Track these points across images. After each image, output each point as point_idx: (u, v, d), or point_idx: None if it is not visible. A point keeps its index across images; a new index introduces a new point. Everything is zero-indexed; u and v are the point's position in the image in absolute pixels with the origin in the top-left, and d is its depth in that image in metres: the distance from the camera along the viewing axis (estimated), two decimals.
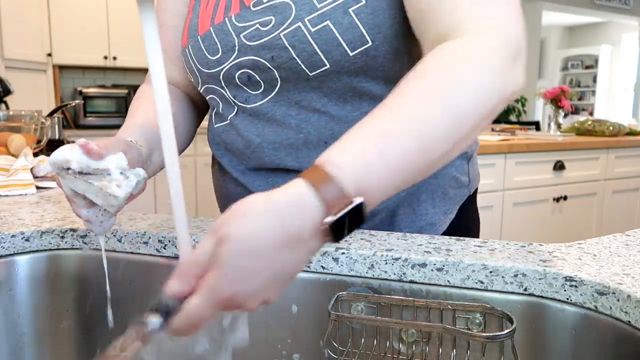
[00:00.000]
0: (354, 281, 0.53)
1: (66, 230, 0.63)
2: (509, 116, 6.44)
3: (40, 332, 0.63)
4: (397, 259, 0.51)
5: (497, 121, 5.10)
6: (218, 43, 0.64)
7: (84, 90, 4.03)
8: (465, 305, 0.49)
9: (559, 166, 2.66)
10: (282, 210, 0.37)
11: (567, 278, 0.47)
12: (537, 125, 4.07)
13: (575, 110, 8.16)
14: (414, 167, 0.41)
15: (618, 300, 0.43)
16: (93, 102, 4.04)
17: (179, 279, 0.38)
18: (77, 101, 2.83)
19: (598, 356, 0.46)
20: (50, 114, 1.99)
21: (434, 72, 0.45)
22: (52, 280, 0.63)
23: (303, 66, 0.60)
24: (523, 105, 6.49)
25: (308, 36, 0.58)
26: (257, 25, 0.61)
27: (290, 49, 0.59)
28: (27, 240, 0.62)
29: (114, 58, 4.08)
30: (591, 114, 8.20)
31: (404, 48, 0.61)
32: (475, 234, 0.77)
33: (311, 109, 0.63)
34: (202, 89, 0.70)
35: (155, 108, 0.39)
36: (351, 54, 0.58)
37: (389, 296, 0.52)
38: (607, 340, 0.45)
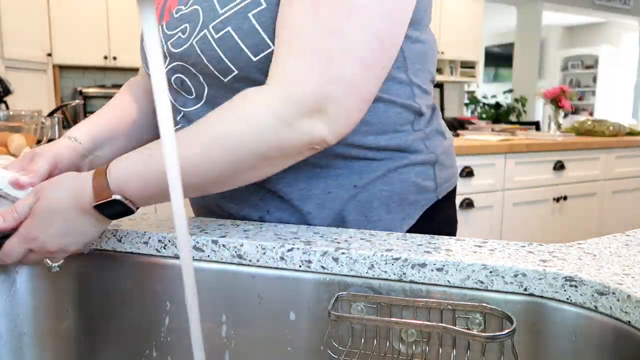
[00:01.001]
0: (354, 281, 0.53)
1: None
2: (509, 116, 6.44)
3: (40, 332, 0.63)
4: (397, 259, 0.52)
5: (497, 121, 5.10)
6: None
7: (84, 90, 4.03)
8: (465, 305, 0.49)
9: (559, 166, 2.66)
10: (76, 188, 0.55)
11: (567, 278, 0.47)
12: (537, 125, 4.07)
13: (575, 110, 8.17)
14: (165, 187, 0.46)
15: (618, 300, 0.43)
16: (93, 102, 4.04)
17: (2, 216, 0.55)
18: (77, 101, 2.83)
19: (598, 356, 0.46)
20: (50, 114, 1.99)
21: (214, 113, 0.55)
22: (52, 280, 0.63)
23: (216, 72, 0.60)
24: (523, 105, 6.50)
25: (213, 43, 0.59)
26: (179, 34, 0.63)
27: (202, 55, 0.60)
28: None
29: (114, 58, 4.08)
30: (591, 114, 8.21)
31: None
32: (449, 235, 0.76)
33: None
34: None
35: (155, 108, 0.39)
36: (254, 59, 0.58)
37: (389, 296, 0.52)
38: (607, 340, 0.45)
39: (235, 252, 0.57)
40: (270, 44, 0.57)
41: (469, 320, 0.50)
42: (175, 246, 0.59)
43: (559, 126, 3.13)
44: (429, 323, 0.49)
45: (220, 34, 0.58)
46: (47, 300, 0.63)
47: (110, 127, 0.74)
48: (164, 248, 0.60)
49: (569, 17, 7.24)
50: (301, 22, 0.53)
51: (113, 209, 0.55)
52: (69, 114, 4.04)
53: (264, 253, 0.56)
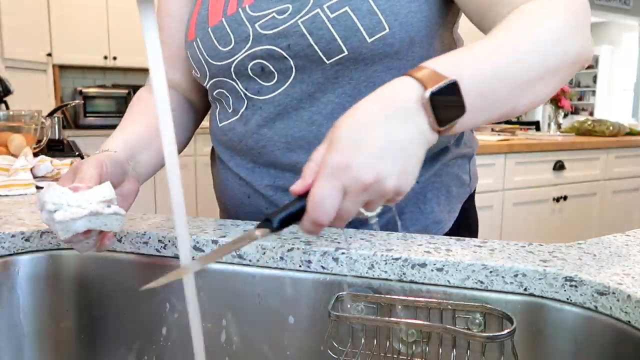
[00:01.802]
0: (354, 281, 0.53)
1: None
2: None
3: (40, 332, 0.63)
4: (397, 259, 0.52)
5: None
6: (231, 34, 0.64)
7: (84, 90, 4.03)
8: (465, 305, 0.49)
9: (559, 166, 2.66)
10: (384, 89, 0.43)
11: (567, 278, 0.47)
12: (537, 125, 4.07)
13: (575, 110, 8.16)
14: (500, 81, 0.47)
15: (618, 300, 0.43)
16: (93, 102, 4.04)
17: (301, 179, 0.42)
18: (77, 101, 2.83)
19: (598, 356, 0.46)
20: (50, 114, 1.99)
21: (515, 21, 0.50)
22: (52, 280, 0.63)
23: (320, 53, 0.60)
24: None
25: (327, 22, 0.58)
26: (273, 14, 0.61)
27: (308, 35, 0.59)
28: (27, 240, 0.62)
29: (114, 58, 4.08)
30: (591, 114, 8.20)
31: (419, 37, 0.61)
32: (476, 234, 0.77)
33: (325, 101, 0.63)
34: (210, 83, 0.69)
35: (155, 108, 0.39)
36: (369, 40, 0.58)
37: (389, 296, 0.52)
38: (607, 340, 0.45)
39: (235, 252, 0.57)
40: (386, 26, 0.58)
41: (469, 320, 0.50)
42: (175, 246, 0.59)
43: (559, 126, 3.13)
44: (429, 323, 0.49)
45: (337, 13, 0.58)
46: (47, 300, 0.63)
47: (141, 133, 0.68)
48: (164, 248, 0.60)
49: None
50: None
51: (449, 103, 0.43)
52: (69, 114, 4.05)
53: (264, 253, 0.56)
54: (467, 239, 0.58)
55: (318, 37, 0.59)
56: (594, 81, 8.59)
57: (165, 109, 0.38)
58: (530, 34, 0.49)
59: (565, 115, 3.26)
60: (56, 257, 0.63)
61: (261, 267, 0.56)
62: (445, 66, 0.44)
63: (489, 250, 0.53)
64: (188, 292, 0.42)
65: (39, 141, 1.36)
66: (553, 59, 0.49)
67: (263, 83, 0.64)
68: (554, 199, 2.67)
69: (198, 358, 0.42)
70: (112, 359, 0.63)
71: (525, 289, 0.49)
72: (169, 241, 0.59)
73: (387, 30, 0.58)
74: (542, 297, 0.48)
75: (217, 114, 0.72)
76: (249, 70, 0.64)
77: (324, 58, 0.60)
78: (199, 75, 0.71)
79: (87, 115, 4.01)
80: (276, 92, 0.64)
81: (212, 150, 0.80)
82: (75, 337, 0.64)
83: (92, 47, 3.98)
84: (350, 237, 0.58)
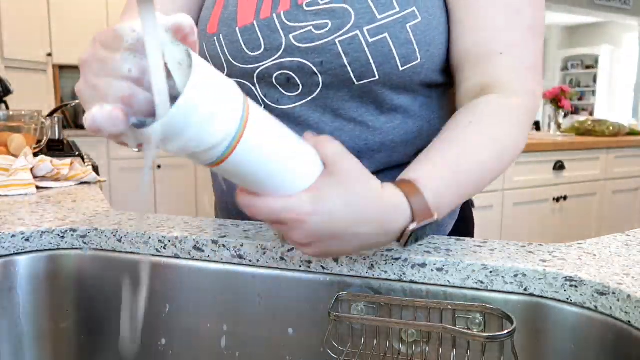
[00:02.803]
0: (354, 281, 0.53)
1: (66, 230, 0.63)
2: None
3: (40, 332, 0.63)
4: (397, 259, 0.52)
5: None
6: (262, 39, 0.61)
7: None
8: (465, 306, 0.49)
9: (559, 166, 2.66)
10: (385, 213, 0.44)
11: (567, 278, 0.47)
12: (537, 125, 4.07)
13: (575, 110, 8.16)
14: (467, 197, 0.53)
15: (618, 300, 0.43)
16: None
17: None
18: (77, 101, 2.82)
19: (598, 356, 0.46)
20: (50, 114, 1.99)
21: (485, 118, 0.55)
22: (52, 280, 0.63)
23: (352, 75, 0.59)
24: None
25: (364, 45, 0.58)
26: (311, 28, 0.59)
27: (343, 55, 0.58)
28: (27, 240, 0.62)
29: None
30: (591, 114, 8.20)
31: (440, 67, 0.62)
32: (473, 234, 0.77)
33: (347, 118, 0.62)
34: None
35: (156, 109, 0.39)
36: (401, 69, 0.59)
37: (389, 296, 0.52)
38: (607, 340, 0.45)
39: (235, 252, 0.57)
40: (419, 56, 0.59)
41: (469, 320, 0.50)
42: (176, 246, 0.59)
43: (559, 126, 3.13)
44: (429, 323, 0.49)
45: (376, 38, 0.57)
46: (47, 300, 0.63)
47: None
48: (164, 248, 0.60)
49: (569, 17, 7.24)
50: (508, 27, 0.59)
51: (421, 232, 0.47)
52: (69, 114, 4.05)
53: (264, 253, 0.56)
54: (467, 239, 0.58)
55: (353, 59, 0.58)
56: (594, 81, 8.59)
57: (165, 110, 0.38)
58: (496, 148, 0.54)
59: (565, 115, 3.26)
60: (56, 257, 0.63)
61: (261, 267, 0.56)
62: (434, 195, 0.47)
63: (489, 250, 0.53)
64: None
65: (39, 141, 1.36)
66: (508, 163, 0.56)
67: (285, 93, 0.63)
68: (554, 199, 2.67)
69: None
70: (112, 359, 0.63)
71: (525, 289, 0.49)
72: (169, 241, 0.59)
73: (419, 60, 0.59)
74: (542, 297, 0.48)
75: None
76: (273, 78, 0.62)
77: (354, 79, 0.59)
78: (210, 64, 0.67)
79: None
80: (297, 104, 0.62)
81: None
82: (75, 337, 0.64)
83: None
84: None
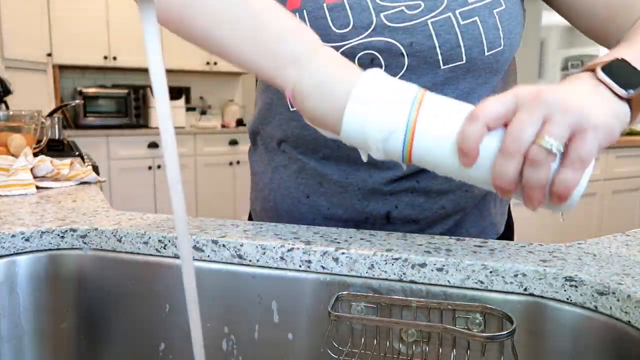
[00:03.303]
0: (354, 281, 0.53)
1: (66, 230, 0.63)
2: None
3: (40, 332, 0.63)
4: (397, 259, 0.52)
5: None
6: (351, 17, 0.60)
7: (84, 90, 4.03)
8: (465, 306, 0.49)
9: None
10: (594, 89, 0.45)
11: (567, 278, 0.47)
12: None
13: None
14: None
15: (618, 300, 0.43)
16: (93, 102, 4.04)
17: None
18: (77, 101, 2.83)
19: (598, 356, 0.46)
20: (50, 114, 1.99)
21: None
22: (52, 280, 0.63)
23: (440, 57, 0.59)
24: None
25: (456, 27, 0.58)
26: (403, 8, 0.59)
27: (434, 37, 0.58)
28: (27, 240, 0.62)
29: (114, 58, 4.08)
30: None
31: (511, 59, 0.63)
32: (513, 236, 0.79)
33: None
34: None
35: (156, 108, 0.39)
36: (486, 54, 0.59)
37: (389, 296, 0.52)
38: (607, 340, 0.45)
39: (235, 252, 0.57)
40: (502, 42, 0.59)
41: (469, 320, 0.50)
42: (175, 246, 0.59)
43: None
44: (429, 323, 0.49)
45: (468, 21, 0.58)
46: (47, 300, 0.63)
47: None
48: (164, 248, 0.60)
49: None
50: None
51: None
52: (69, 114, 4.05)
53: (264, 253, 0.56)
54: (467, 239, 0.58)
55: (444, 41, 0.58)
56: None
57: (166, 109, 0.38)
58: None
59: None
60: (56, 257, 0.63)
61: (261, 267, 0.56)
62: (633, 57, 0.48)
63: (489, 250, 0.53)
64: (188, 289, 0.42)
65: (39, 141, 1.36)
66: None
67: None
68: None
69: (197, 356, 0.42)
70: (112, 359, 0.63)
71: (525, 289, 0.49)
72: (169, 241, 0.59)
73: (502, 47, 0.60)
74: (542, 297, 0.48)
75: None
76: (356, 58, 0.60)
77: (441, 62, 0.59)
78: None
79: (87, 115, 4.01)
80: None
81: (253, 146, 0.76)
82: (75, 337, 0.64)
83: (92, 47, 3.98)
84: (351, 237, 0.58)
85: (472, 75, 0.61)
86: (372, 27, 0.59)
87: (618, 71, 0.46)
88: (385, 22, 0.59)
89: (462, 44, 0.58)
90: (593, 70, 0.47)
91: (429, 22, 0.58)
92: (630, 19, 0.61)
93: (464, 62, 0.59)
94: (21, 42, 3.49)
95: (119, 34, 4.03)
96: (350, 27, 0.60)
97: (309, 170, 0.67)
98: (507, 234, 0.75)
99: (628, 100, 0.45)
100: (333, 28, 0.60)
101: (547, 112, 0.40)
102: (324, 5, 0.61)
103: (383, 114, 0.44)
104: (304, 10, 0.62)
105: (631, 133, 3.19)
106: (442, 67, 0.60)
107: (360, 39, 0.60)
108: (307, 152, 0.67)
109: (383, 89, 0.46)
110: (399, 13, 0.59)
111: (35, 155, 1.10)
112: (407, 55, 0.59)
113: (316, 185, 0.67)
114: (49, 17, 3.74)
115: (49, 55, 3.78)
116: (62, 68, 4.06)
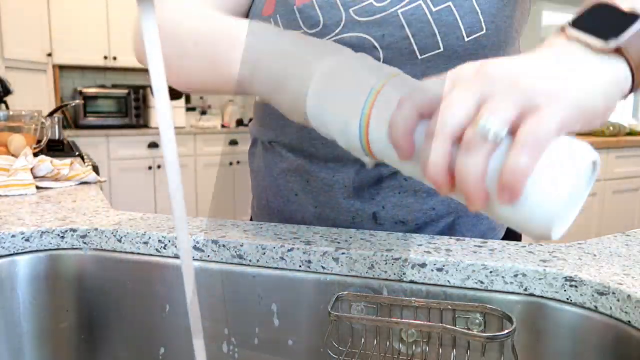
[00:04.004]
0: (354, 281, 0.53)
1: (66, 230, 0.63)
2: None
3: (40, 332, 0.63)
4: (397, 259, 0.52)
5: None
6: (321, 16, 0.60)
7: (84, 90, 4.03)
8: (465, 305, 0.49)
9: None
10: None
11: (567, 278, 0.47)
12: None
13: None
14: None
15: (618, 300, 0.43)
16: (93, 102, 4.04)
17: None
18: (77, 101, 2.83)
19: (598, 356, 0.46)
20: (50, 114, 1.99)
21: None
22: (52, 280, 0.63)
23: (415, 47, 0.57)
24: None
25: (428, 15, 0.56)
26: (372, 1, 0.58)
27: (406, 27, 0.57)
28: (27, 240, 0.62)
29: (114, 58, 4.08)
30: None
31: (506, 43, 0.60)
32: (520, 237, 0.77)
33: None
34: None
35: (156, 109, 0.39)
36: (466, 39, 0.57)
37: (389, 296, 0.52)
38: (607, 340, 0.45)
39: (235, 252, 0.57)
40: (484, 27, 0.57)
41: (469, 320, 0.50)
42: (175, 246, 0.59)
43: None
44: (429, 323, 0.49)
45: (439, 7, 0.56)
46: (46, 300, 0.63)
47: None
48: (164, 248, 0.60)
49: (569, 17, 7.23)
50: None
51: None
52: (69, 114, 4.05)
53: (264, 253, 0.56)
54: (467, 239, 0.58)
55: (417, 30, 0.56)
56: None
57: (166, 109, 0.38)
58: None
59: None
60: (56, 257, 0.63)
61: (261, 267, 0.56)
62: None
63: (489, 250, 0.53)
64: (188, 291, 0.42)
65: (39, 141, 1.36)
66: None
67: None
68: None
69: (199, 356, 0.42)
70: (112, 359, 0.63)
71: (525, 289, 0.49)
72: (169, 241, 0.59)
73: (484, 31, 0.57)
74: (542, 297, 0.48)
75: None
76: None
77: (417, 53, 0.58)
78: None
79: (87, 115, 4.01)
80: None
81: (252, 145, 0.77)
82: (75, 337, 0.64)
83: (92, 47, 3.98)
84: (351, 237, 0.58)
85: (455, 64, 0.58)
86: (343, 23, 0.59)
87: (595, 19, 0.37)
88: (355, 17, 0.58)
89: (437, 32, 0.56)
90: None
91: (399, 12, 0.57)
92: None
93: (441, 50, 0.57)
94: (21, 42, 3.49)
95: (119, 34, 4.03)
96: (320, 25, 0.60)
97: (297, 168, 0.67)
98: (513, 232, 0.73)
99: (625, 58, 0.36)
100: (305, 28, 0.60)
101: (488, 88, 0.33)
102: (295, 7, 0.61)
103: (339, 105, 0.41)
104: (277, 15, 0.62)
105: (631, 133, 3.19)
106: (420, 57, 0.58)
107: (331, 37, 0.59)
108: (294, 150, 0.67)
109: (345, 76, 0.42)
110: (368, 6, 0.58)
111: (35, 155, 1.10)
112: (380, 48, 0.58)
113: (303, 183, 0.67)
114: (49, 17, 3.74)
115: (49, 55, 3.78)
116: (62, 68, 4.06)
